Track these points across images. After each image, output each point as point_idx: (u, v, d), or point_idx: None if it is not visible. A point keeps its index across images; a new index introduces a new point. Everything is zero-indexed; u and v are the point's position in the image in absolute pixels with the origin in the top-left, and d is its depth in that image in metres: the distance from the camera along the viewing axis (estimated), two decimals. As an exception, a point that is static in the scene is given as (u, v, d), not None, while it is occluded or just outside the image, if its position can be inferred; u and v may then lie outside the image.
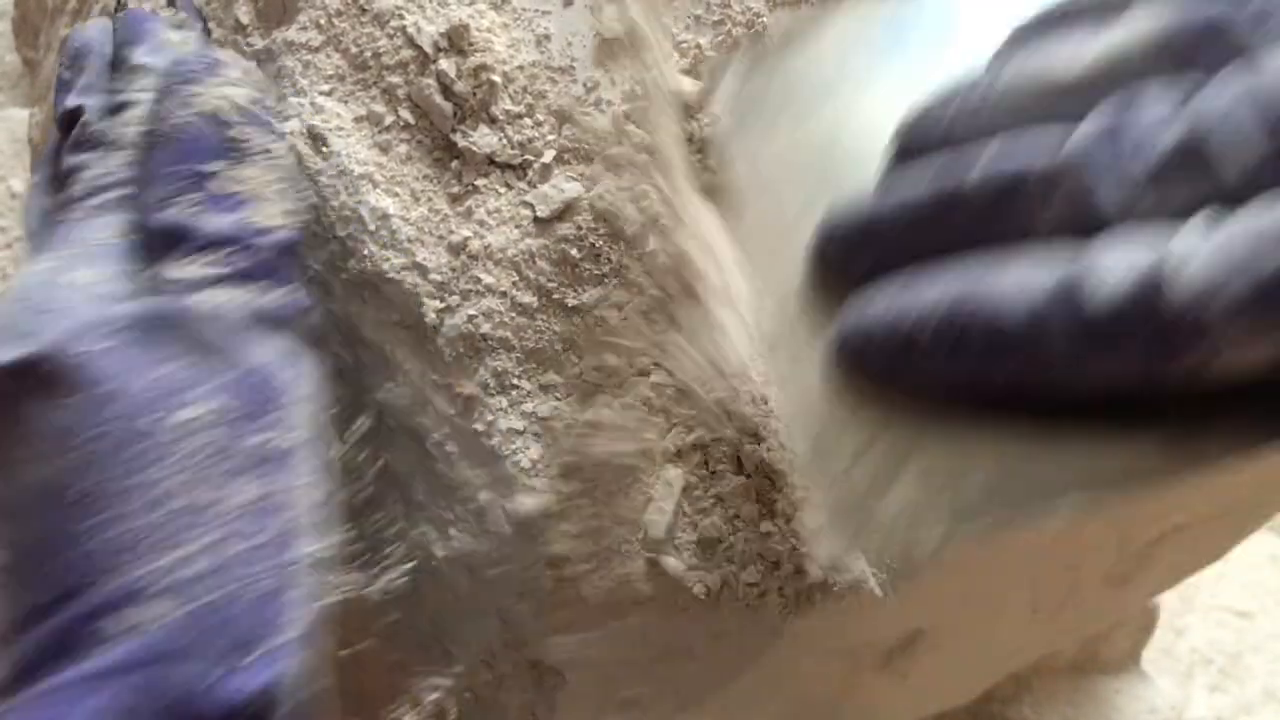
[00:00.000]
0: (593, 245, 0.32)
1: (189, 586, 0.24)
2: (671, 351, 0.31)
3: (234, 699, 0.23)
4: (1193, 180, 0.21)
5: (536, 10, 0.33)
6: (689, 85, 0.32)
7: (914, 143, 0.25)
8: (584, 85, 0.32)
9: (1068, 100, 0.23)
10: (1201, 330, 0.20)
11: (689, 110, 0.32)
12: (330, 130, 0.33)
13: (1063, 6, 0.24)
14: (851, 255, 0.25)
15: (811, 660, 0.33)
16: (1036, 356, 0.22)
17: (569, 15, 0.32)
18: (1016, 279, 0.22)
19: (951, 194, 0.23)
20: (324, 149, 0.32)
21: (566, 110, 0.32)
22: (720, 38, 0.33)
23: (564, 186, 0.32)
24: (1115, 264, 0.20)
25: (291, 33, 0.34)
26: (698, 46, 0.33)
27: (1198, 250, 0.20)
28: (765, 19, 0.33)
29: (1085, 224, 0.21)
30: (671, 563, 0.30)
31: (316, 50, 0.33)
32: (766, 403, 0.29)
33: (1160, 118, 0.21)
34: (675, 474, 0.31)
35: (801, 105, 0.31)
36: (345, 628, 0.35)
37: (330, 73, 0.33)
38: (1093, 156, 0.21)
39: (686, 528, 0.31)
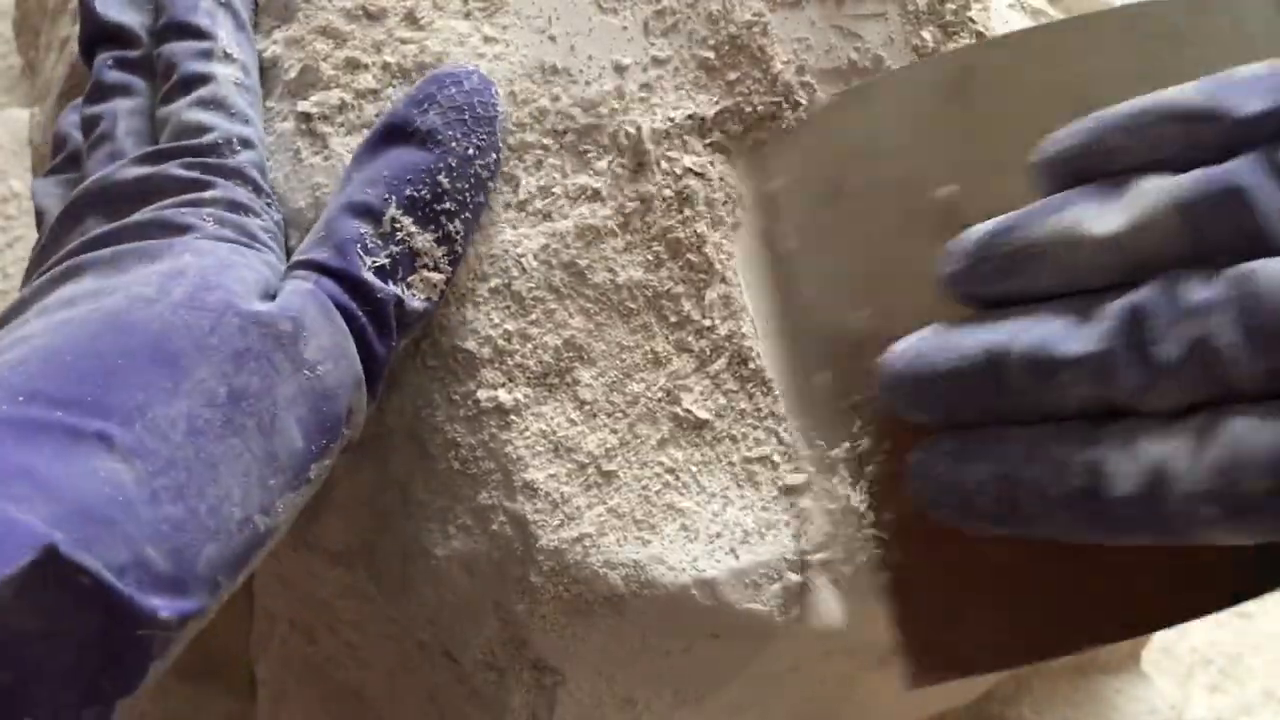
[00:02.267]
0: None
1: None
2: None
3: None
4: (1203, 377, 0.24)
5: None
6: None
7: (962, 282, 0.29)
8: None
9: (1101, 259, 0.26)
10: (1192, 526, 0.25)
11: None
12: (330, 131, 0.33)
13: (1093, 142, 0.27)
14: (915, 403, 0.29)
15: (811, 660, 0.33)
16: (1072, 526, 0.27)
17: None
18: (1050, 468, 0.26)
19: (997, 370, 0.27)
20: (323, 149, 0.32)
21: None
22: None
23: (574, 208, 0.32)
24: (1127, 463, 0.25)
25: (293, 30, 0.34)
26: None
27: (1191, 459, 0.24)
28: (767, 19, 0.33)
29: (1113, 403, 0.26)
30: (674, 562, 0.31)
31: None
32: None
33: (1184, 309, 0.25)
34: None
35: (855, 210, 0.32)
36: (345, 626, 0.35)
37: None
38: (1120, 347, 0.25)
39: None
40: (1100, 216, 0.26)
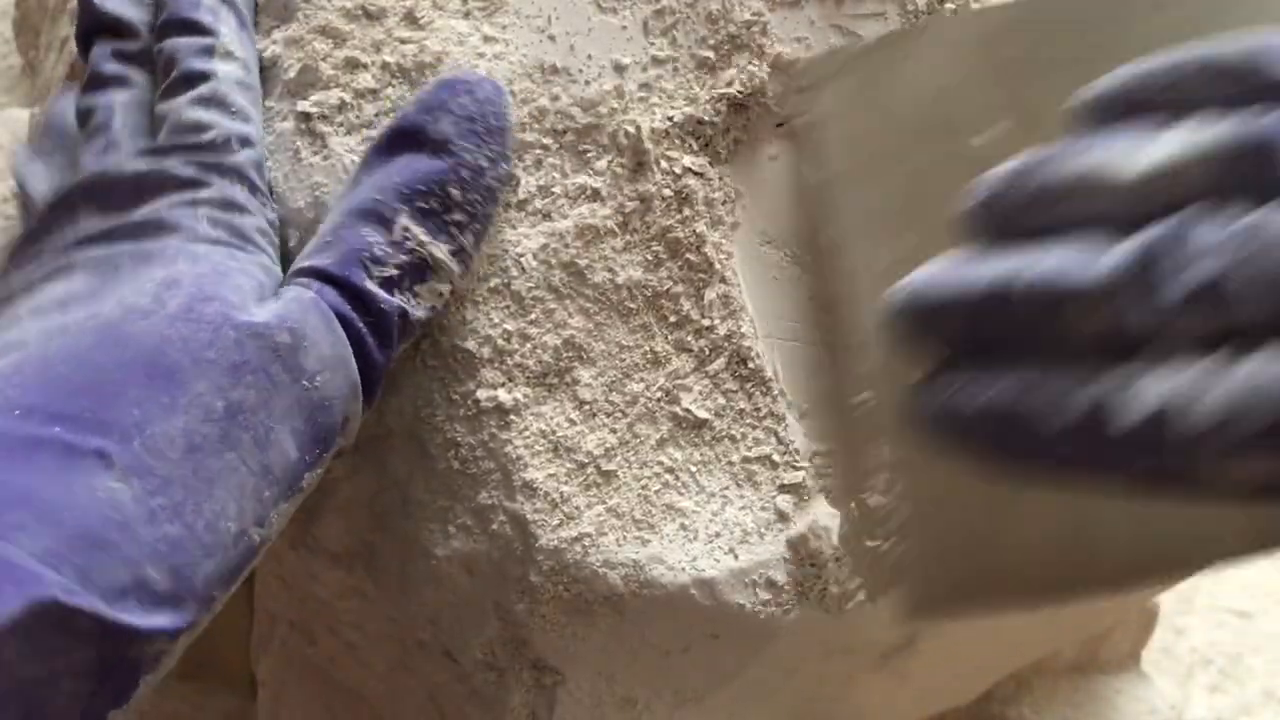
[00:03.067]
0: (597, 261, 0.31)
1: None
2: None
3: None
4: (1212, 318, 0.24)
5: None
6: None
7: (983, 217, 0.28)
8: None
9: (1123, 198, 0.26)
10: (1188, 463, 0.25)
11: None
12: (329, 130, 0.33)
13: (1130, 89, 0.27)
14: (922, 333, 0.28)
15: (811, 660, 0.33)
16: (1071, 461, 0.26)
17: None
18: (1053, 398, 0.26)
19: (1004, 298, 0.27)
20: (322, 149, 0.32)
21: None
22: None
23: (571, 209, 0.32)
24: (1128, 399, 0.25)
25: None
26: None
27: (1200, 395, 0.24)
28: (767, 18, 0.33)
29: (1119, 340, 0.26)
30: (674, 562, 0.31)
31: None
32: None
33: (1196, 250, 0.25)
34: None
35: (901, 144, 0.32)
36: (345, 626, 0.35)
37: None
38: (1128, 283, 0.25)
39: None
40: (1126, 158, 0.26)
